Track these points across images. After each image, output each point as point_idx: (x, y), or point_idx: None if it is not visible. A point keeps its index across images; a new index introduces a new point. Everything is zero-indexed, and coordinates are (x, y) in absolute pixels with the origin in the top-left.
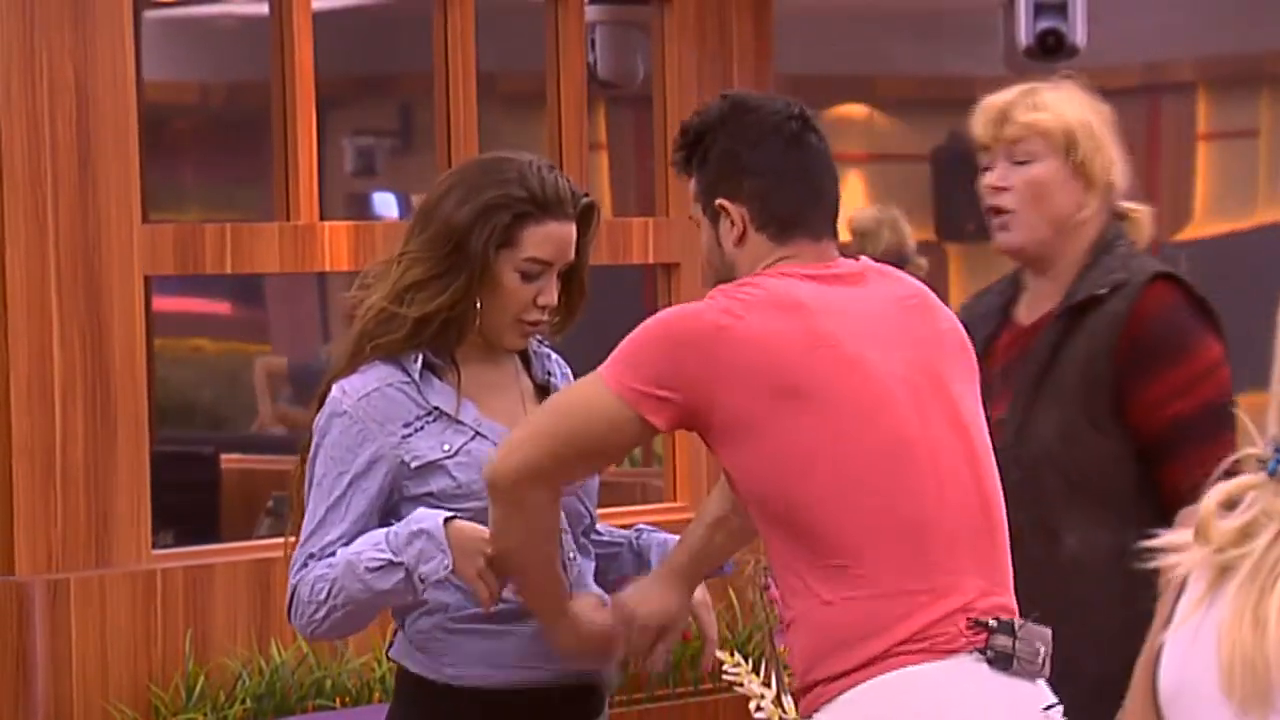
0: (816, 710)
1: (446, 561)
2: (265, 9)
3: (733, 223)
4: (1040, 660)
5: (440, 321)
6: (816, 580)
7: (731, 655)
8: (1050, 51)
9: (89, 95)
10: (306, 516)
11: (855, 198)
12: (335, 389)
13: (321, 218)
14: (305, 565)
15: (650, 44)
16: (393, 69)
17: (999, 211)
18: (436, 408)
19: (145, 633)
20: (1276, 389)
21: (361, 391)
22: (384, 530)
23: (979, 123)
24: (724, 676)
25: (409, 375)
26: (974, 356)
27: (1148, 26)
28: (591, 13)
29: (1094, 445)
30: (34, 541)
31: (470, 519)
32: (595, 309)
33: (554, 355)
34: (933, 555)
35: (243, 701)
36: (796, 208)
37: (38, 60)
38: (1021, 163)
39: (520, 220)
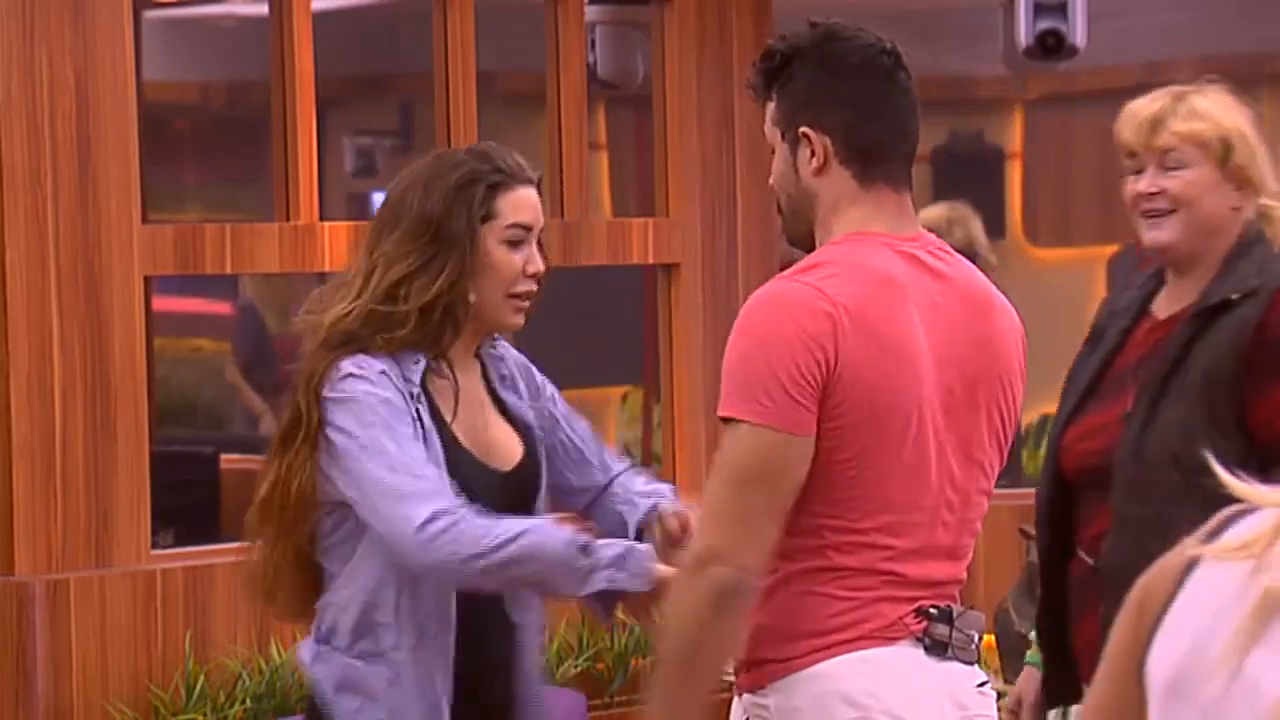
0: (762, 687)
1: (638, 584)
2: (265, 9)
3: (813, 152)
4: (974, 646)
5: (441, 310)
6: (798, 570)
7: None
8: (1050, 51)
9: (89, 95)
10: (381, 472)
11: None
12: (348, 364)
13: (321, 218)
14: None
15: (650, 44)
16: (393, 69)
17: (1151, 213)
18: (419, 420)
19: (145, 633)
20: None
21: (378, 368)
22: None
23: (1128, 129)
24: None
25: (407, 379)
26: (1021, 362)
27: (1148, 26)
28: (591, 13)
29: (1214, 447)
30: (34, 541)
31: None
32: (595, 309)
33: (505, 355)
34: (911, 562)
35: (243, 701)
36: (881, 144)
37: (38, 60)
38: (1172, 169)
39: (493, 190)
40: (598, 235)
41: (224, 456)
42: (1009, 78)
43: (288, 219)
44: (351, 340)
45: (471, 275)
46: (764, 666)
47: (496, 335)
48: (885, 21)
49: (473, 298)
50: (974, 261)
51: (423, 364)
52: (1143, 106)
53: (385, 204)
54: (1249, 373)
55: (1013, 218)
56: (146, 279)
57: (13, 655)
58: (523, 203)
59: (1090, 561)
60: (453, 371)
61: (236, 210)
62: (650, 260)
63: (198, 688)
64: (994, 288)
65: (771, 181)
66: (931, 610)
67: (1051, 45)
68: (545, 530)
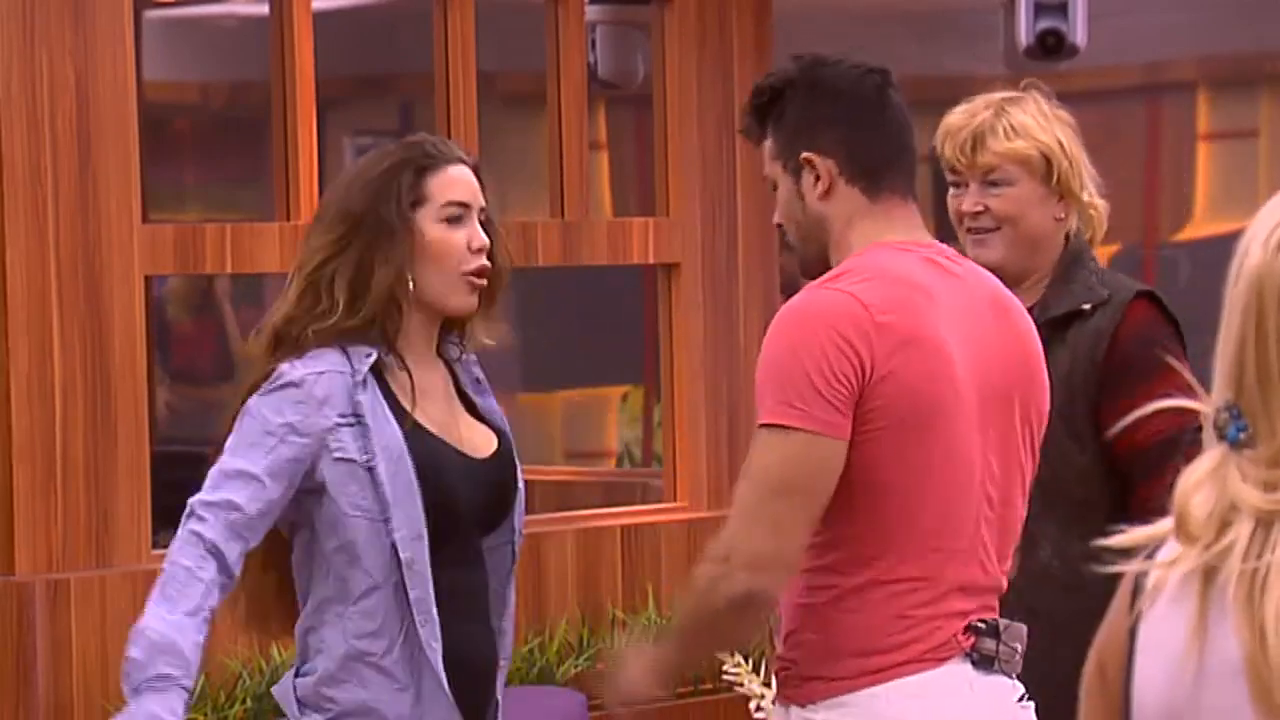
0: (812, 703)
1: None
2: (266, 9)
3: (818, 176)
4: (1018, 658)
5: (373, 296)
6: (851, 585)
7: (732, 655)
8: (1050, 51)
9: (89, 95)
10: (219, 462)
11: None
12: (285, 365)
13: None
14: (196, 517)
15: (650, 44)
16: (393, 69)
17: (976, 230)
18: (360, 416)
19: None
20: (1228, 352)
21: (313, 369)
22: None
23: (949, 147)
24: (724, 677)
25: (355, 370)
26: (1042, 365)
27: (1148, 26)
28: (592, 12)
29: (1071, 456)
30: (34, 541)
31: (362, 530)
32: (595, 309)
33: (474, 360)
34: (960, 572)
35: (243, 701)
36: (883, 158)
37: (38, 60)
38: (995, 186)
39: (422, 173)
40: (598, 235)
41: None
42: (1009, 78)
43: (288, 219)
44: (283, 341)
45: (414, 262)
46: (813, 683)
47: (462, 341)
48: (886, 22)
49: (411, 283)
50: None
51: (374, 356)
52: (962, 123)
53: (322, 201)
54: (1104, 383)
55: None
56: (147, 279)
57: (13, 655)
58: (454, 181)
59: None
60: (405, 364)
61: (237, 210)
62: (650, 260)
63: (198, 688)
64: (1008, 290)
65: (777, 218)
66: (979, 625)
67: (1052, 45)
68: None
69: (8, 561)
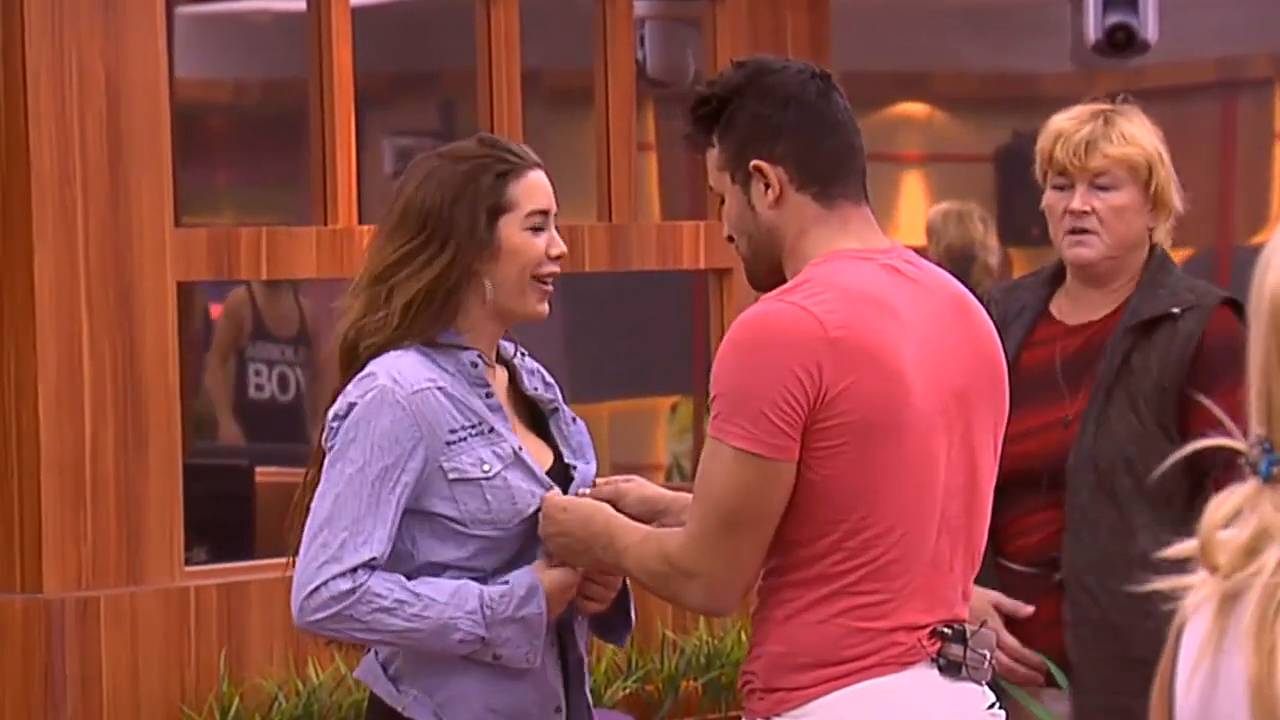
0: (776, 715)
1: (532, 656)
2: (302, 4)
3: (768, 184)
4: (987, 665)
5: (439, 299)
6: (810, 598)
7: None
8: (1120, 47)
9: (120, 94)
10: (334, 506)
11: (914, 199)
12: (384, 378)
13: (360, 221)
14: (353, 575)
15: (701, 40)
16: (434, 66)
17: (1079, 230)
18: (482, 421)
19: (178, 652)
20: (1256, 383)
21: (414, 386)
22: (475, 591)
23: (1061, 150)
24: None
25: (459, 375)
26: (1003, 364)
27: (1221, 20)
28: (640, 8)
29: (1165, 452)
30: (63, 558)
31: (488, 544)
32: (643, 315)
33: (537, 367)
34: (920, 583)
35: None
36: (834, 162)
37: (67, 59)
38: (1102, 189)
39: (504, 179)
40: (647, 239)
41: (258, 470)
42: (1076, 75)
43: (325, 222)
44: (356, 351)
45: (487, 266)
46: (777, 694)
47: (521, 350)
48: (947, 15)
49: (490, 289)
50: (971, 262)
51: (478, 361)
52: (1072, 127)
53: (392, 201)
54: (1192, 383)
55: None
56: (179, 285)
57: (41, 676)
58: (537, 188)
59: (1022, 569)
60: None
61: (272, 213)
62: (702, 265)
63: (232, 709)
64: (965, 289)
65: (727, 229)
66: (945, 630)
67: (1122, 41)
68: (442, 633)
69: (35, 579)
